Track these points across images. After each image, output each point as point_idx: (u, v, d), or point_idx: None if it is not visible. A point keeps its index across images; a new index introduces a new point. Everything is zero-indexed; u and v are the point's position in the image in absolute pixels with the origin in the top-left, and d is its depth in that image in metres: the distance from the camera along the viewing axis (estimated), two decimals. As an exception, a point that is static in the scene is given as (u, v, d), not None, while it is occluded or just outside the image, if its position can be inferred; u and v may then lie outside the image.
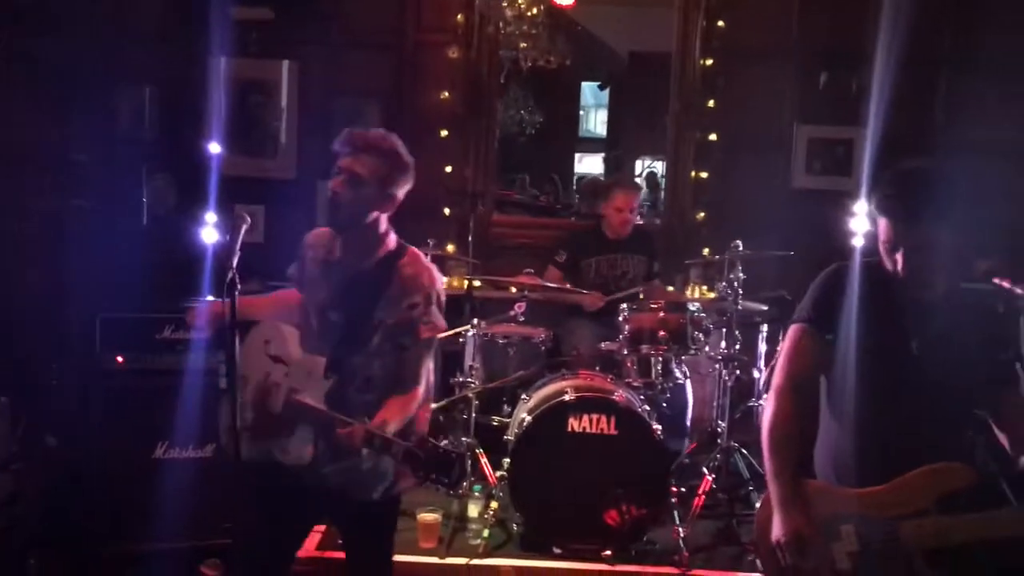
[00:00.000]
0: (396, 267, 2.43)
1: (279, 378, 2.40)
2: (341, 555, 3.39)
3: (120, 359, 3.76)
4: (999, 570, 2.24)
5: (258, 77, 5.22)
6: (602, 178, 9.32)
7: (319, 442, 2.34)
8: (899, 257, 2.22)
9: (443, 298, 2.49)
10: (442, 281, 2.54)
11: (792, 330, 2.42)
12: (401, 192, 2.48)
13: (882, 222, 2.27)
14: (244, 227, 2.26)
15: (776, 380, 2.40)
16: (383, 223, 2.47)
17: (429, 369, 2.48)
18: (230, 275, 2.15)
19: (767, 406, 2.38)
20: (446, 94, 5.12)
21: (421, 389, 2.42)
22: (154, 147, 5.13)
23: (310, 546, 3.42)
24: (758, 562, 2.43)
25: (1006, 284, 2.14)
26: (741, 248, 4.06)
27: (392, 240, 2.49)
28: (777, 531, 2.19)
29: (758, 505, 2.38)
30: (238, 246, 2.21)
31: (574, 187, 9.32)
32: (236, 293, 2.16)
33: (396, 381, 2.39)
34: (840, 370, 2.35)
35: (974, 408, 2.34)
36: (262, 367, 2.44)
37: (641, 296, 4.55)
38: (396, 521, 2.64)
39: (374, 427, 2.20)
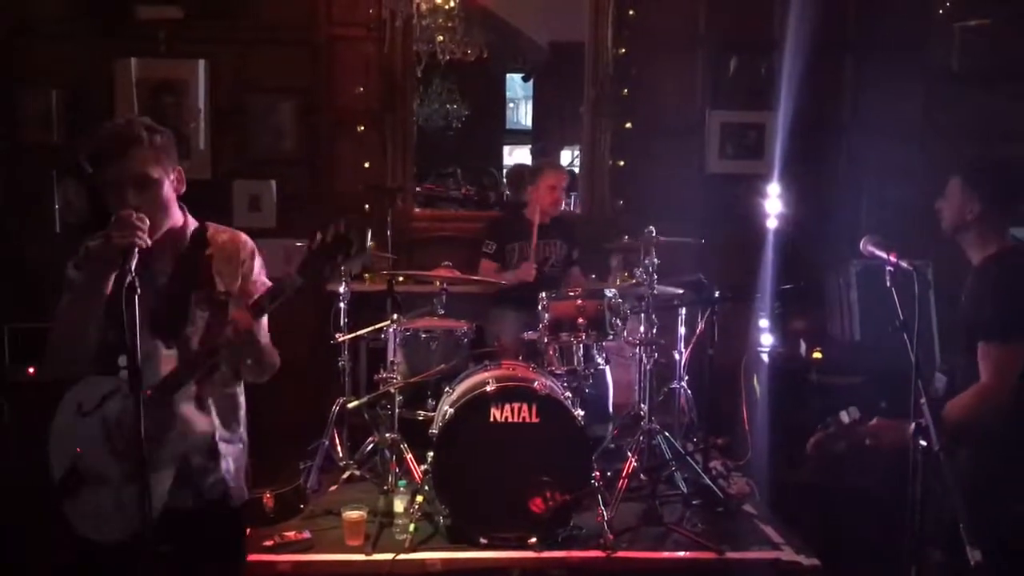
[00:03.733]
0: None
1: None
2: (268, 558, 3.42)
3: (31, 370, 3.69)
4: None
5: (169, 77, 5.12)
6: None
7: None
8: None
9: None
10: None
11: None
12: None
13: None
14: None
15: None
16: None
17: None
18: (128, 279, 2.12)
19: None
20: (361, 89, 5.09)
21: None
22: (63, 152, 5.00)
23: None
24: None
25: (892, 257, 2.23)
26: (654, 234, 4.12)
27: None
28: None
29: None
30: (136, 250, 2.18)
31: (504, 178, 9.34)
32: (135, 296, 2.12)
33: None
34: None
35: None
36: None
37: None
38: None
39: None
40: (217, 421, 2.37)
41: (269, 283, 2.44)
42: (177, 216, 2.40)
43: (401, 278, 4.60)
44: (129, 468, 2.24)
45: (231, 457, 2.40)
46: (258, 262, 2.50)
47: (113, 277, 2.22)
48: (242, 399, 2.47)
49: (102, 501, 2.27)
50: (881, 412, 4.07)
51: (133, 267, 2.11)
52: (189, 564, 2.31)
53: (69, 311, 2.30)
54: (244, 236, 2.51)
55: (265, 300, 2.26)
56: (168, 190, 2.35)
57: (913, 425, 2.09)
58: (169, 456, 2.27)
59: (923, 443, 2.07)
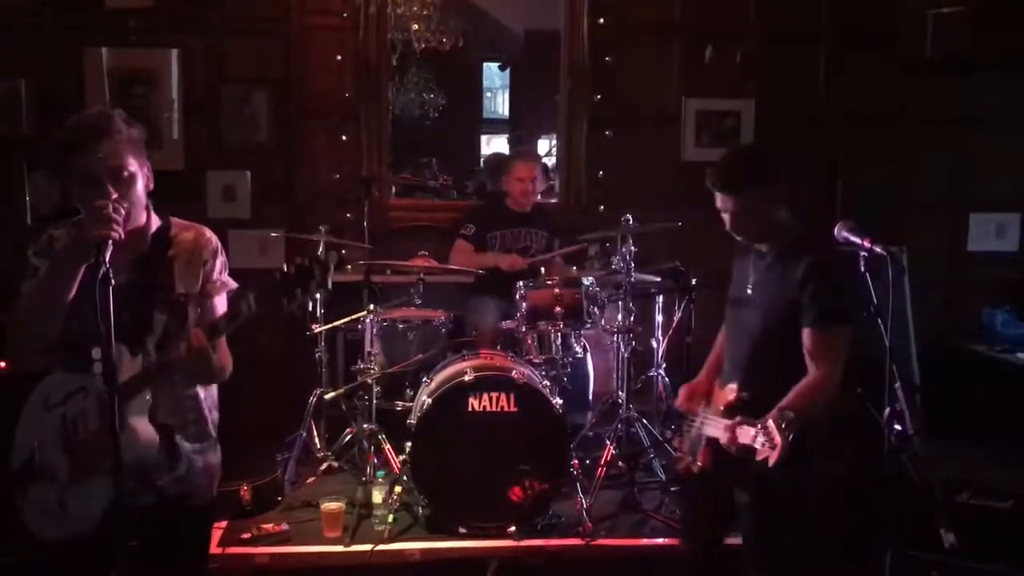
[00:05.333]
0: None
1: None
2: (246, 550, 3.40)
3: (3, 364, 3.63)
4: None
5: (141, 66, 5.04)
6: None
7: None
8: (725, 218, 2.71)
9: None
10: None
11: None
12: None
13: None
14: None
15: None
16: None
17: None
18: (103, 270, 2.09)
19: None
20: (335, 78, 5.05)
21: None
22: (33, 143, 4.93)
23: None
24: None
25: (867, 243, 2.24)
26: (631, 222, 4.12)
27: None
28: None
29: None
30: (111, 242, 2.15)
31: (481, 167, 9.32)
32: (109, 288, 2.09)
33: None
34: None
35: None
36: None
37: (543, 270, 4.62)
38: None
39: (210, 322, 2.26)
40: (175, 424, 2.33)
41: (230, 282, 2.42)
42: (142, 215, 2.34)
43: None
44: (77, 468, 2.22)
45: (195, 456, 2.37)
46: (220, 261, 2.43)
47: (83, 269, 2.19)
48: (207, 397, 2.42)
49: (48, 498, 2.23)
50: (857, 397, 4.10)
51: (107, 259, 2.08)
52: (150, 561, 2.26)
53: (35, 300, 2.26)
54: (209, 233, 2.45)
55: (221, 323, 2.23)
56: (141, 186, 2.30)
57: (887, 410, 2.10)
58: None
59: (898, 427, 2.08)
